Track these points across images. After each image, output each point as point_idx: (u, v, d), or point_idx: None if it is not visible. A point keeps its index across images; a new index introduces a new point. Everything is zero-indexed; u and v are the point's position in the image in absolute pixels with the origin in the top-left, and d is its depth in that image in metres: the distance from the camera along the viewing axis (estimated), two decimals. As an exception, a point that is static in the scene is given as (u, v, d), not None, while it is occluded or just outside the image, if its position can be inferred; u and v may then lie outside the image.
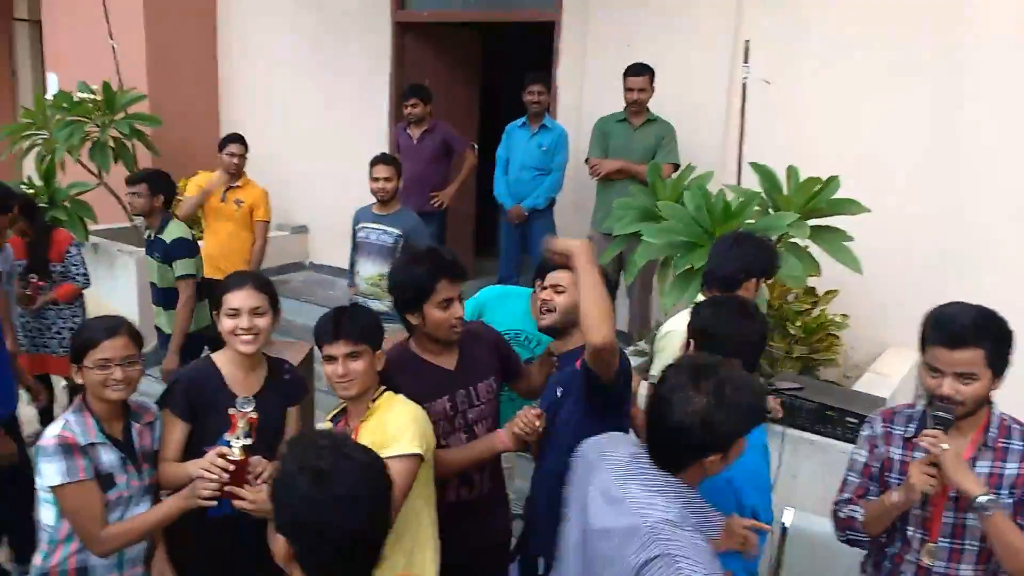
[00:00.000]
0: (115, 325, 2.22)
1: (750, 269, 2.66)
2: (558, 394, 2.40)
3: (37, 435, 5.00)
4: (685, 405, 1.59)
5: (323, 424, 2.36)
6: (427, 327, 2.39)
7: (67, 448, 2.08)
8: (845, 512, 2.21)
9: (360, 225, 4.54)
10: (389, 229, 4.42)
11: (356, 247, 4.58)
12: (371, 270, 4.48)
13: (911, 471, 1.98)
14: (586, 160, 5.14)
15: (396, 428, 2.19)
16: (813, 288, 4.38)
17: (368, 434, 2.22)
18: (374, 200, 4.49)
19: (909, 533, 2.12)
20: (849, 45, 4.73)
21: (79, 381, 2.18)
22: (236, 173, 5.24)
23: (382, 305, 4.37)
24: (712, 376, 1.62)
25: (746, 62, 4.44)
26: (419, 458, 2.19)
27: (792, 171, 4.00)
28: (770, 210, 3.91)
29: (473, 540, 2.53)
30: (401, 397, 2.34)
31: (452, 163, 5.95)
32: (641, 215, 4.06)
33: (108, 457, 2.17)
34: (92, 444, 2.14)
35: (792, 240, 3.81)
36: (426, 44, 6.75)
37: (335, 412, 2.36)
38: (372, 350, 2.23)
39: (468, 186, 6.50)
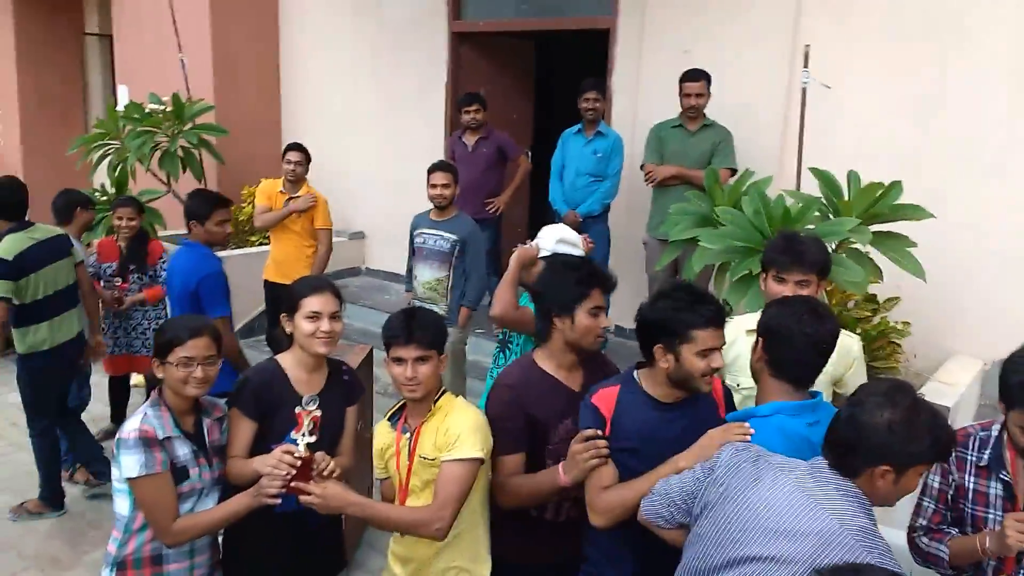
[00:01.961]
0: (199, 325, 2.31)
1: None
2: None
3: (107, 432, 5.29)
4: (877, 409, 1.70)
5: (381, 422, 2.43)
6: (574, 333, 2.32)
7: (146, 442, 2.17)
8: (930, 548, 2.21)
9: (417, 231, 4.62)
10: (446, 235, 4.49)
11: (413, 252, 4.66)
12: (428, 275, 4.56)
13: (1007, 528, 1.95)
14: (641, 166, 5.14)
15: (459, 431, 2.23)
16: (874, 295, 4.30)
17: (430, 435, 2.28)
18: (431, 206, 4.57)
19: (983, 562, 2.13)
20: (910, 49, 4.64)
21: (160, 376, 2.28)
22: (295, 181, 5.42)
23: (439, 309, 4.45)
24: (911, 397, 1.73)
25: (806, 67, 4.39)
26: (480, 462, 2.24)
27: (853, 176, 3.93)
28: (830, 215, 3.85)
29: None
30: (461, 400, 2.39)
31: (506, 170, 6.01)
32: (698, 221, 4.04)
33: (183, 451, 2.25)
34: (168, 438, 2.23)
35: (853, 246, 3.75)
36: (482, 53, 6.84)
37: (393, 411, 2.42)
38: (438, 355, 2.29)
39: (522, 192, 6.57)
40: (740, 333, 2.66)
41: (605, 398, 2.20)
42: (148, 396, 2.34)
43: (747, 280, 3.48)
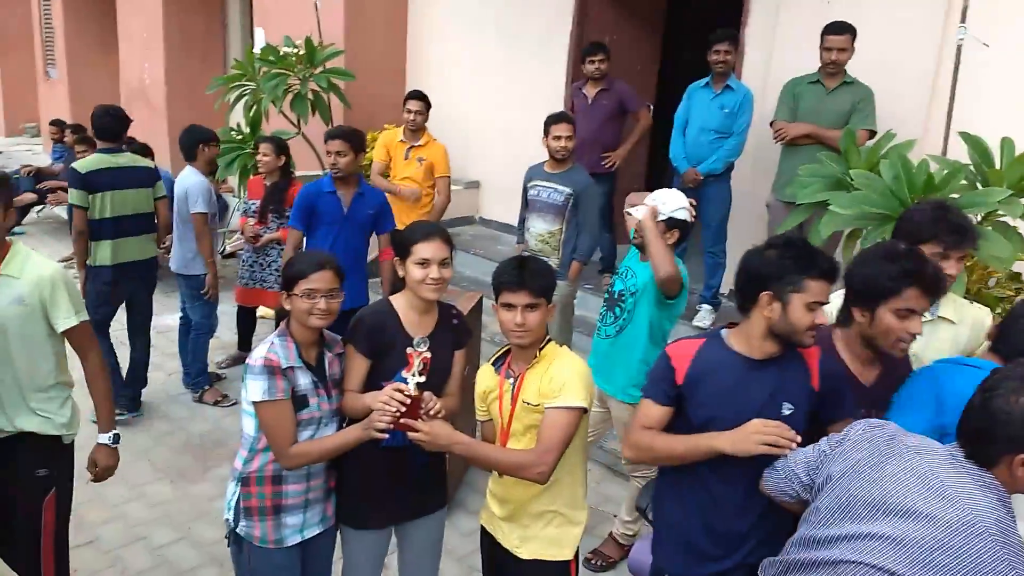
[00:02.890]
0: (323, 260, 2.40)
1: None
2: (785, 412, 2.09)
3: (234, 359, 5.64)
4: (1012, 395, 1.60)
5: (485, 366, 2.46)
6: (872, 329, 2.17)
7: (270, 370, 2.29)
8: None
9: (532, 183, 4.60)
10: (560, 187, 4.44)
11: (527, 204, 4.64)
12: (541, 227, 4.54)
13: None
14: (771, 123, 4.89)
15: (564, 380, 2.25)
16: (1019, 273, 3.96)
17: (534, 381, 2.30)
18: (546, 158, 4.53)
19: None
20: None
21: (287, 308, 2.39)
22: (415, 130, 5.53)
23: (551, 263, 4.44)
24: None
25: (963, 22, 4.02)
26: (584, 411, 2.25)
27: (1007, 143, 3.59)
28: (978, 184, 3.56)
29: None
30: (566, 349, 2.39)
31: (626, 124, 5.87)
32: (830, 183, 3.82)
33: (304, 380, 2.36)
34: (291, 367, 2.34)
35: (1001, 219, 3.45)
36: (609, 2, 6.65)
37: (496, 356, 2.46)
38: (547, 303, 2.30)
39: (641, 148, 6.41)
40: None
41: (682, 349, 2.17)
42: (276, 328, 2.46)
43: (879, 249, 3.28)
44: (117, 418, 4.55)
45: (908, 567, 1.59)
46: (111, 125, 4.64)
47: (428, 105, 5.57)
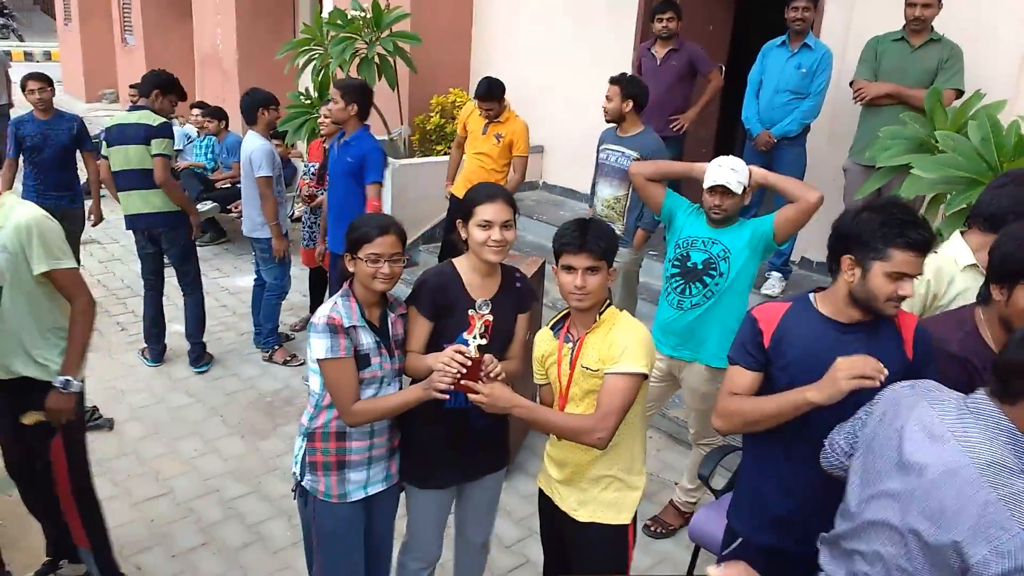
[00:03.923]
0: (387, 224, 2.41)
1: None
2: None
3: (305, 321, 5.80)
4: None
5: (543, 330, 2.44)
6: (1008, 309, 2.03)
7: (333, 328, 2.32)
8: None
9: (603, 146, 4.52)
10: (628, 151, 4.35)
11: (597, 168, 4.57)
12: (607, 192, 4.47)
13: None
14: (851, 83, 4.67)
15: (624, 345, 2.22)
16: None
17: (594, 346, 2.28)
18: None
19: None
20: None
21: (351, 270, 2.42)
22: (491, 120, 5.25)
23: (616, 229, 4.36)
24: None
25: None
26: (644, 377, 2.22)
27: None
28: (1075, 147, 3.33)
29: None
30: (627, 315, 2.36)
31: (696, 85, 5.69)
32: (912, 146, 3.63)
33: (366, 340, 2.39)
34: (354, 327, 2.36)
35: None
36: (681, -41, 6.41)
37: (556, 319, 2.44)
38: (608, 267, 2.27)
39: (711, 110, 6.22)
40: (957, 269, 2.47)
41: (768, 312, 2.12)
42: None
43: (964, 214, 3.11)
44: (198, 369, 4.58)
45: (915, 520, 1.57)
46: (141, 84, 5.04)
47: (497, 98, 5.17)
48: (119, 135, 4.78)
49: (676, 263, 3.32)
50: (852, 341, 2.00)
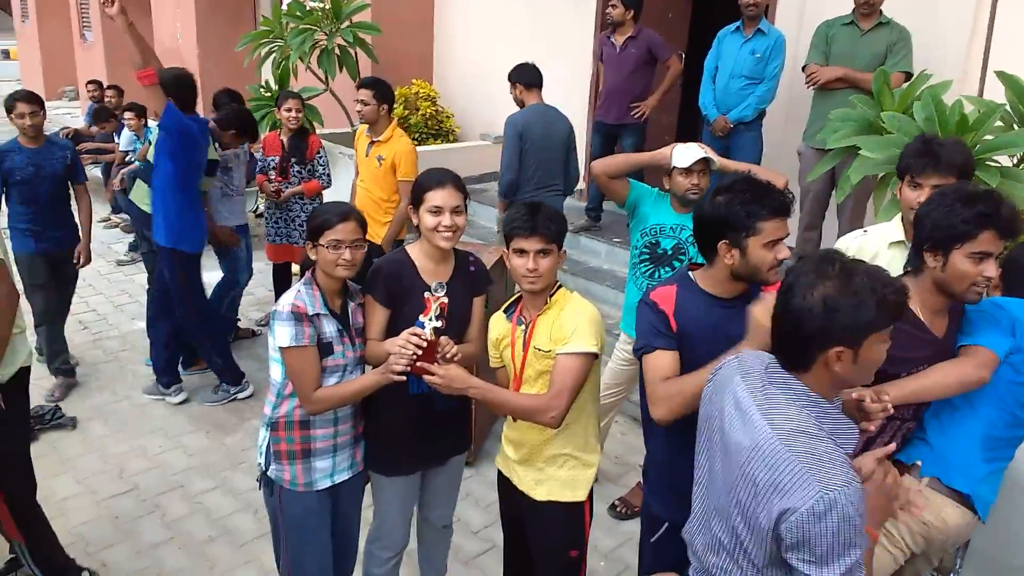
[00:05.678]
0: (347, 211, 2.44)
1: None
2: None
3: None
4: (808, 288, 1.54)
5: (497, 314, 2.48)
6: (946, 274, 2.09)
7: (297, 316, 2.34)
8: None
9: None
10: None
11: None
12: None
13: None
14: (803, 67, 4.75)
15: (573, 325, 2.26)
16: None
17: (545, 327, 2.32)
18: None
19: None
20: None
21: (312, 258, 2.43)
22: (371, 122, 4.60)
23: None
24: (838, 264, 1.56)
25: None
26: (595, 356, 2.27)
27: (1048, 82, 3.45)
28: (1015, 126, 3.43)
29: None
30: (576, 295, 2.40)
31: (656, 73, 5.75)
32: (861, 127, 3.71)
33: (329, 328, 2.41)
34: (317, 314, 2.38)
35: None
36: (639, -53, 6.45)
37: (508, 303, 2.48)
38: (558, 249, 2.31)
39: (671, 97, 6.28)
40: (882, 246, 2.54)
41: (663, 295, 2.17)
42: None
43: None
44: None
45: (732, 500, 1.59)
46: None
47: (384, 95, 4.52)
48: None
49: (646, 251, 3.34)
50: (735, 315, 2.08)
